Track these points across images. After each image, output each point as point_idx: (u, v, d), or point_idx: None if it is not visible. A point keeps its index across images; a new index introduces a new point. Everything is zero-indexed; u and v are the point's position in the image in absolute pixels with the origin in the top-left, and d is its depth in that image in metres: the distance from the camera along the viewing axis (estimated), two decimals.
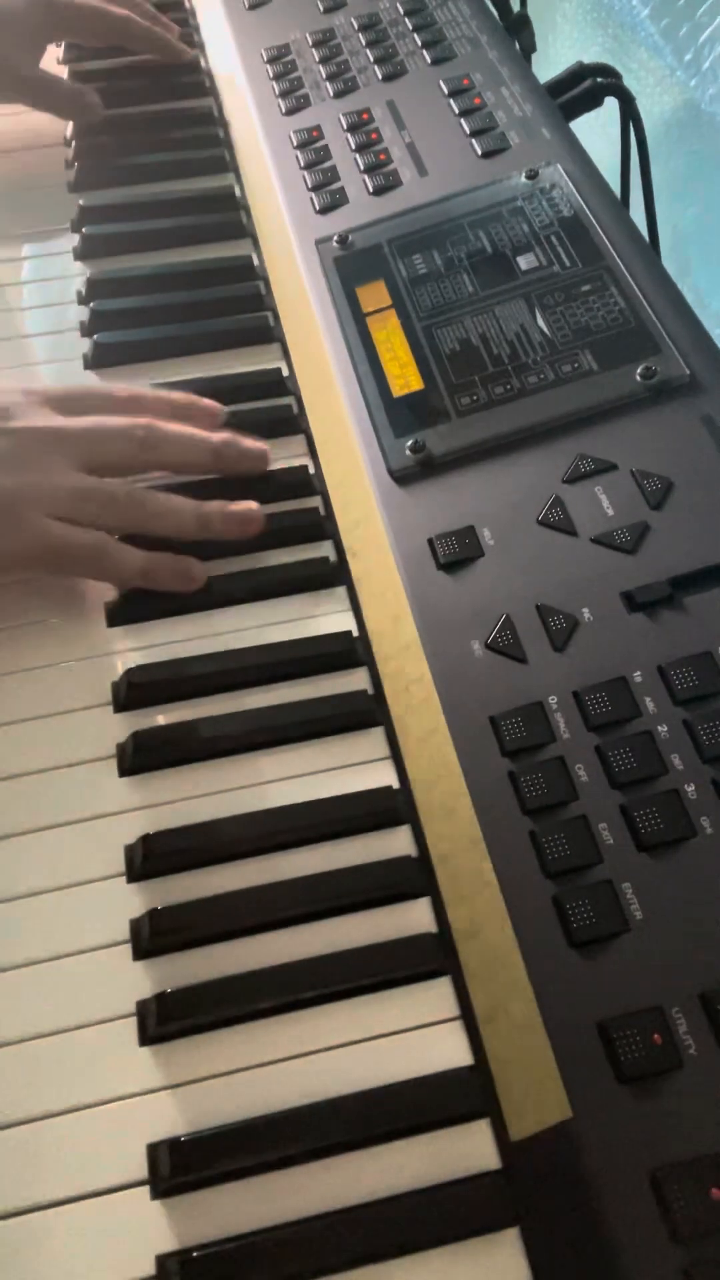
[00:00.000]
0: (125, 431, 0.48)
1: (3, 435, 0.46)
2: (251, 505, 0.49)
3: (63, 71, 0.75)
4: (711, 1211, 0.32)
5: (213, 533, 0.49)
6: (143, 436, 0.49)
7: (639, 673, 0.42)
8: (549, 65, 0.85)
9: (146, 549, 0.48)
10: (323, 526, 0.51)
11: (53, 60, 0.76)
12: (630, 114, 0.73)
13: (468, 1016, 0.37)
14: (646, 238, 0.60)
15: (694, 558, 0.44)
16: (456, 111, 0.65)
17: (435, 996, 0.37)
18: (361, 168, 0.63)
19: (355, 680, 0.45)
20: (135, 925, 0.39)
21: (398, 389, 0.52)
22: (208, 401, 0.53)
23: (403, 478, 0.50)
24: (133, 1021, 0.37)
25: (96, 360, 0.58)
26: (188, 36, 0.78)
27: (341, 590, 0.48)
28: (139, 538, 0.48)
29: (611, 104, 0.73)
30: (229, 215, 0.66)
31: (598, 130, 0.74)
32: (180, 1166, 0.34)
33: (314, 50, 0.71)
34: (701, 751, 0.39)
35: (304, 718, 0.44)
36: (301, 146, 0.66)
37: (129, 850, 0.41)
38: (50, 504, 0.46)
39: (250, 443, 0.51)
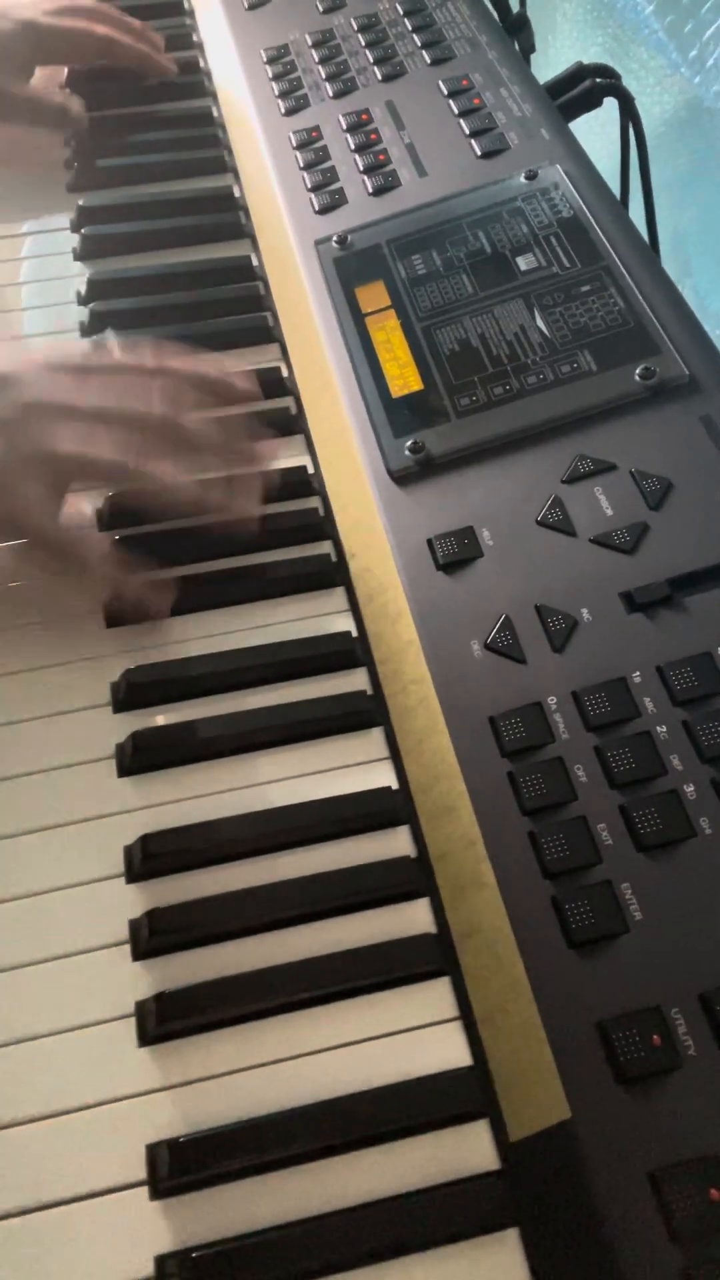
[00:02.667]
0: (140, 416, 0.47)
1: (10, 406, 0.46)
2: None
3: (63, 71, 0.75)
4: (711, 1212, 0.32)
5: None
6: (157, 422, 0.47)
7: (638, 673, 0.42)
8: (549, 65, 0.85)
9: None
10: (322, 526, 0.51)
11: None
12: (629, 114, 0.73)
13: (467, 1017, 0.37)
14: (646, 238, 0.60)
15: (693, 558, 0.44)
16: (456, 112, 0.65)
17: (434, 997, 0.37)
18: (361, 168, 0.63)
19: (355, 680, 0.45)
20: (135, 925, 0.39)
21: (397, 389, 0.52)
22: (228, 381, 0.51)
23: (402, 478, 0.50)
24: (132, 1021, 0.37)
25: None
26: (187, 36, 0.78)
27: (341, 590, 0.48)
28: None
29: (611, 104, 0.73)
30: (228, 215, 0.66)
31: (597, 130, 0.74)
32: (179, 1167, 0.34)
33: (313, 51, 0.71)
34: (701, 752, 0.39)
35: (304, 718, 0.44)
36: (301, 147, 0.66)
37: (129, 850, 0.41)
38: (41, 473, 0.45)
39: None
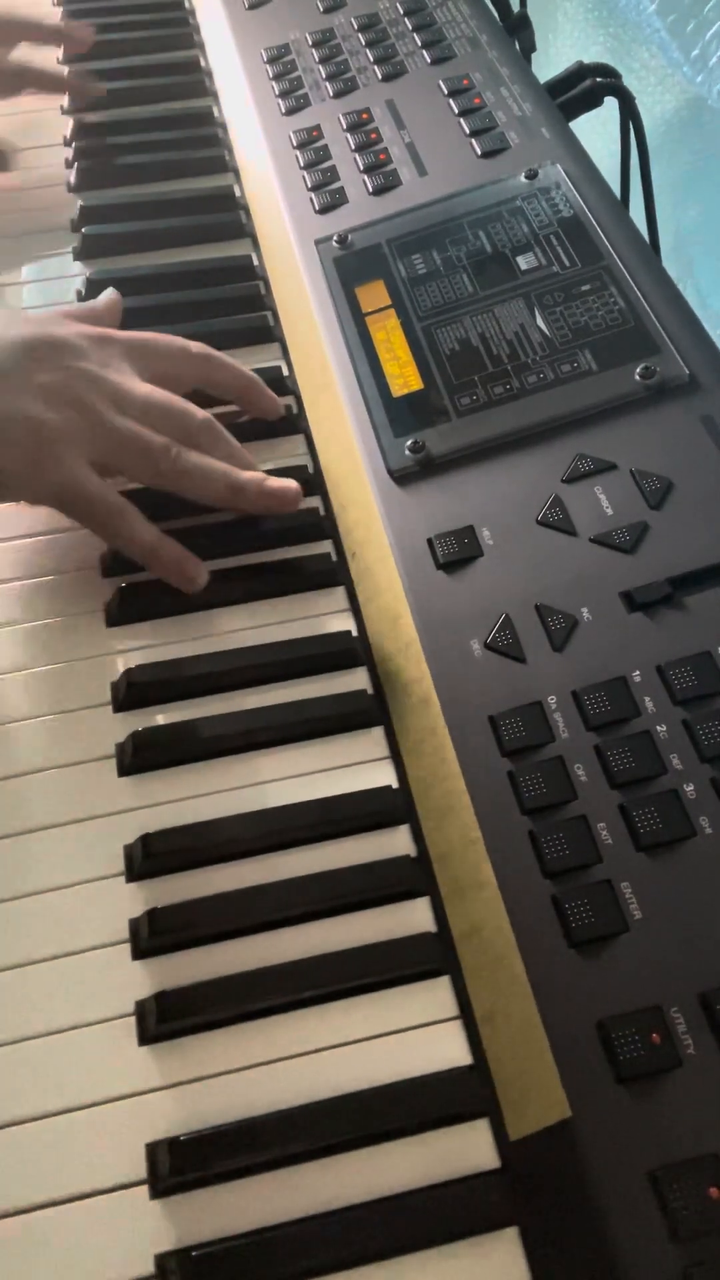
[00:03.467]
0: (183, 414, 0.49)
1: (68, 372, 0.47)
2: (291, 483, 0.50)
3: (62, 71, 0.75)
4: (711, 1211, 0.32)
5: (245, 502, 0.49)
6: (197, 426, 0.49)
7: (638, 672, 0.42)
8: (549, 65, 0.85)
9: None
10: (322, 526, 0.51)
11: (53, 60, 0.76)
12: (630, 114, 0.73)
13: (467, 1016, 0.37)
14: (647, 238, 0.60)
15: (693, 557, 0.44)
16: (456, 111, 0.65)
17: (435, 996, 0.37)
18: (361, 168, 0.63)
19: (355, 680, 0.45)
20: (135, 925, 0.39)
21: (397, 389, 0.52)
22: (271, 394, 0.54)
23: (402, 478, 0.50)
24: (132, 1021, 0.37)
25: None
26: (187, 36, 0.78)
27: (341, 590, 0.48)
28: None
29: (611, 104, 0.73)
30: (229, 215, 0.66)
31: (598, 130, 0.74)
32: (179, 1166, 0.34)
33: (314, 50, 0.71)
34: (700, 751, 0.39)
35: (304, 718, 0.44)
36: (301, 146, 0.66)
37: (129, 850, 0.41)
38: (89, 447, 0.46)
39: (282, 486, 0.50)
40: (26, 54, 0.72)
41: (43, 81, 0.72)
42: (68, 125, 0.71)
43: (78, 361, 0.48)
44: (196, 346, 0.52)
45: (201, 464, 0.48)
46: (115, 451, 0.47)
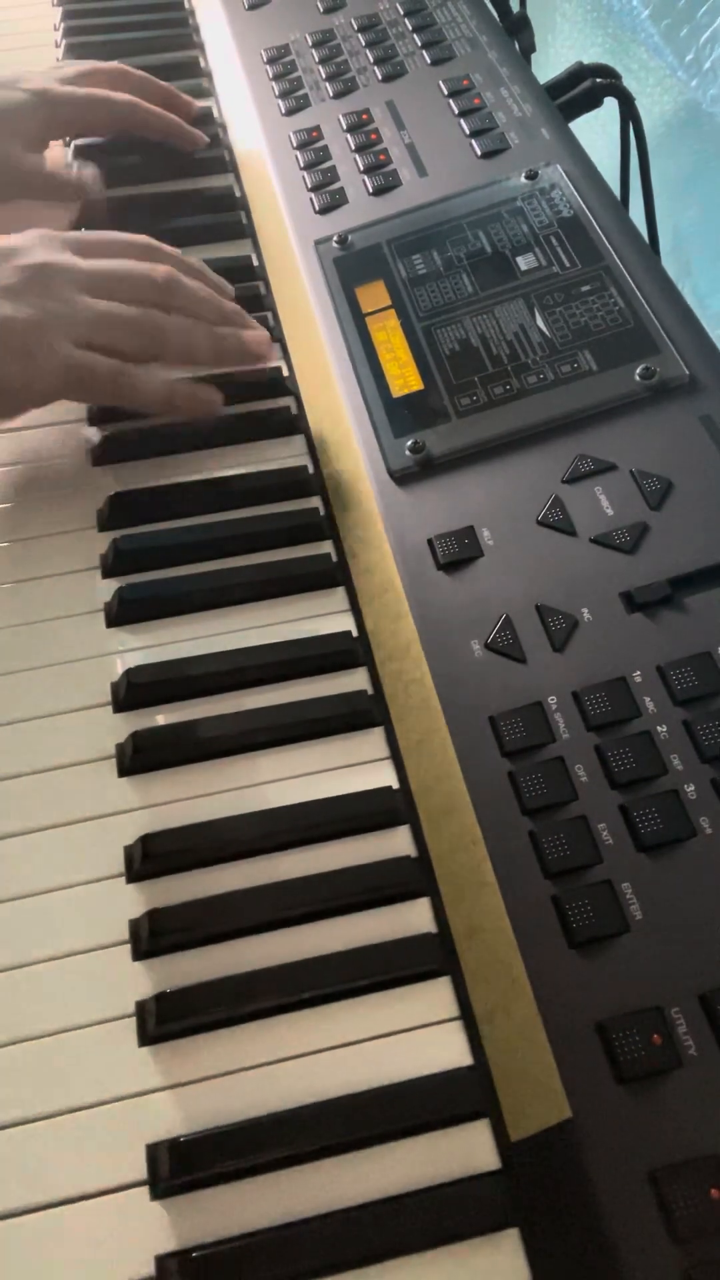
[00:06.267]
0: (145, 273, 0.51)
1: (23, 269, 0.49)
2: (261, 337, 0.54)
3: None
4: (711, 1211, 0.32)
5: (225, 356, 0.53)
6: (162, 281, 0.51)
7: (638, 673, 0.42)
8: (549, 65, 0.85)
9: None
10: (323, 526, 0.51)
11: (53, 62, 0.76)
12: (630, 114, 0.73)
13: (467, 1016, 0.37)
14: (646, 238, 0.60)
15: (693, 558, 0.44)
16: (456, 112, 0.65)
17: (435, 997, 0.37)
18: (361, 168, 0.63)
19: (355, 680, 0.45)
20: (135, 925, 0.39)
21: (397, 389, 0.52)
22: (219, 279, 0.56)
23: (402, 478, 0.50)
24: (132, 1021, 0.37)
25: None
26: (187, 37, 0.79)
27: (341, 590, 0.48)
28: None
29: (611, 104, 0.73)
30: (229, 215, 0.66)
31: (598, 130, 0.74)
32: (180, 1167, 0.34)
33: (314, 50, 0.71)
34: (701, 751, 0.39)
35: (304, 718, 0.44)
36: (301, 147, 0.66)
37: (129, 850, 0.41)
38: (70, 331, 0.48)
39: (252, 334, 0.54)
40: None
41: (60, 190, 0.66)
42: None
43: (29, 258, 0.49)
44: (139, 237, 0.54)
45: (183, 326, 0.51)
46: (96, 331, 0.49)
